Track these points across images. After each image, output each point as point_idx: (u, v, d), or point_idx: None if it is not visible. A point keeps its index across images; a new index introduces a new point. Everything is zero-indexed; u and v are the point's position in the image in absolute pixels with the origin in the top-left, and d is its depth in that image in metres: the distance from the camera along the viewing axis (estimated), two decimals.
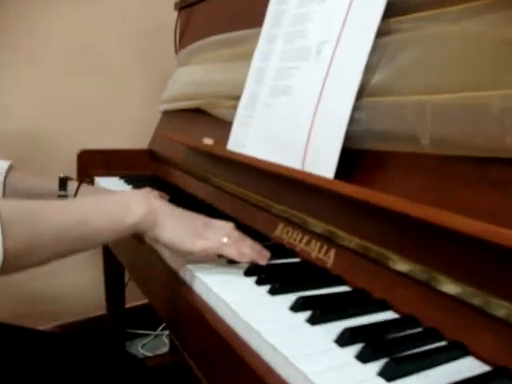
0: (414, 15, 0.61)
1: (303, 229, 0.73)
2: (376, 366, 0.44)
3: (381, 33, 0.64)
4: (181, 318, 0.65)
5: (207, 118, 1.09)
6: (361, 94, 0.64)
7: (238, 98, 0.91)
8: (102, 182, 1.25)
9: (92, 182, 1.29)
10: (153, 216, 0.62)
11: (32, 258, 0.54)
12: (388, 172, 0.62)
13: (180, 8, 1.46)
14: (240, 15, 1.10)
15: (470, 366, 0.46)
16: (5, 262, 0.49)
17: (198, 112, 1.14)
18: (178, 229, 0.62)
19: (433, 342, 0.50)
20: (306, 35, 0.76)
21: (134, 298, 1.58)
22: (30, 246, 0.53)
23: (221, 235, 0.64)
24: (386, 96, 0.60)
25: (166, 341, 1.85)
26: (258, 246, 0.66)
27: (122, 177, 1.29)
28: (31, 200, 0.56)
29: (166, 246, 0.64)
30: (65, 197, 0.88)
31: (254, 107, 0.84)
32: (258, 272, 0.64)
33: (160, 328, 1.88)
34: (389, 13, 0.64)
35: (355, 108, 0.64)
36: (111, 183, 1.25)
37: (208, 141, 1.03)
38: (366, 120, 0.62)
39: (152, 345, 1.85)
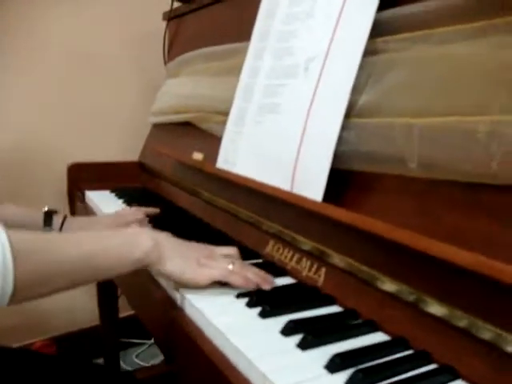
0: (402, 35, 0.61)
1: (294, 246, 0.73)
2: None
3: (368, 52, 0.64)
4: (172, 341, 0.65)
5: (197, 131, 1.09)
6: (349, 113, 0.64)
7: (227, 113, 0.91)
8: (92, 195, 1.25)
9: (83, 196, 1.28)
10: (158, 249, 0.62)
11: (42, 288, 0.55)
12: (377, 194, 0.62)
13: (169, 18, 1.45)
14: (229, 28, 1.10)
15: None
16: (15, 291, 0.50)
17: (187, 125, 1.14)
18: (183, 262, 0.63)
19: (423, 365, 0.50)
20: (293, 52, 0.76)
21: (128, 307, 1.58)
22: (41, 277, 0.54)
23: (226, 263, 0.64)
24: (374, 117, 0.61)
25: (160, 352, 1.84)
26: (261, 272, 0.67)
27: (113, 190, 1.29)
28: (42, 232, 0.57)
29: (172, 279, 0.64)
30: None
31: (243, 123, 0.84)
32: (249, 294, 0.63)
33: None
34: (376, 32, 0.64)
35: (343, 128, 0.64)
36: (102, 196, 1.24)
37: (198, 155, 1.03)
38: (354, 140, 0.63)
39: (147, 354, 1.84)
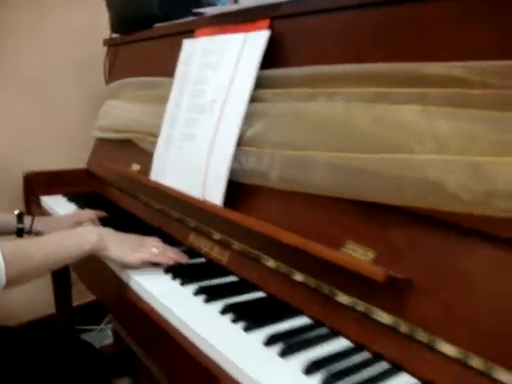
0: (273, 90, 0.90)
1: (208, 237, 1.01)
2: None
3: (252, 99, 0.93)
4: (121, 307, 0.92)
5: (135, 147, 1.35)
6: (239, 143, 0.92)
7: (158, 135, 1.17)
8: (47, 199, 1.48)
9: (38, 200, 1.50)
10: (102, 241, 0.89)
11: (24, 279, 0.82)
12: (257, 199, 0.91)
13: (108, 45, 1.69)
14: (158, 62, 1.35)
15: None
16: (6, 284, 0.77)
17: (127, 140, 1.39)
18: (121, 248, 0.90)
19: (287, 314, 0.79)
20: (204, 94, 1.04)
21: (79, 297, 1.83)
22: (24, 273, 0.80)
23: (151, 248, 0.91)
24: (254, 146, 0.89)
25: (110, 333, 2.08)
26: (178, 252, 0.94)
27: (64, 194, 1.52)
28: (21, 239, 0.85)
29: (115, 261, 0.91)
30: (22, 229, 1.12)
31: (169, 145, 1.11)
32: (174, 271, 0.91)
33: (104, 322, 2.12)
34: (257, 85, 0.93)
35: (235, 152, 0.92)
36: (55, 201, 1.47)
37: (136, 166, 1.29)
38: (242, 161, 0.91)
39: (97, 337, 2.08)
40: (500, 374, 0.56)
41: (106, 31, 1.66)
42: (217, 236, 0.99)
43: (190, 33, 1.18)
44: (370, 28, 0.79)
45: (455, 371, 0.59)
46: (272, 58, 0.93)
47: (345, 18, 0.82)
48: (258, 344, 0.67)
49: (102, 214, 1.19)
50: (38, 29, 1.78)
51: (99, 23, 1.73)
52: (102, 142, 1.62)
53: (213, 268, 0.95)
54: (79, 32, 1.85)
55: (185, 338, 0.72)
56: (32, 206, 1.53)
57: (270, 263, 0.86)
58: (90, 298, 2.04)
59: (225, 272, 0.93)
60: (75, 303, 1.82)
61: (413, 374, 0.62)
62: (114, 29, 1.64)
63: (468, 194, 0.58)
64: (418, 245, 0.66)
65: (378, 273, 0.63)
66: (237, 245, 0.93)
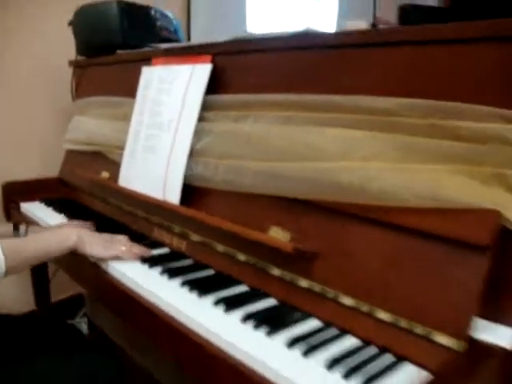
0: (215, 112, 1.14)
1: (169, 231, 1.25)
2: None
3: (199, 119, 1.17)
4: (101, 289, 1.15)
5: (104, 157, 1.57)
6: (191, 154, 1.17)
7: (123, 148, 1.40)
8: (26, 206, 1.68)
9: (18, 207, 1.70)
10: (81, 240, 1.11)
11: (19, 269, 1.05)
12: (207, 199, 1.16)
13: (74, 66, 1.90)
14: (121, 84, 1.57)
15: None
16: (6, 273, 0.99)
17: (96, 151, 1.61)
18: (96, 247, 1.12)
19: (231, 283, 1.04)
20: (161, 114, 1.27)
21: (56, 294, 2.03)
22: (19, 263, 1.03)
23: (120, 245, 1.14)
24: (201, 157, 1.14)
25: (85, 327, 2.28)
26: (142, 247, 1.17)
27: (41, 200, 1.72)
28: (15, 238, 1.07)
29: (91, 256, 1.13)
30: (18, 236, 1.32)
31: (134, 157, 1.34)
32: (144, 258, 1.14)
33: (79, 316, 2.32)
34: (204, 108, 1.17)
35: (188, 161, 1.17)
36: (34, 206, 1.68)
37: (105, 174, 1.51)
38: (193, 169, 1.16)
39: None
40: (379, 312, 0.82)
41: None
42: (176, 229, 1.23)
43: (147, 60, 1.41)
44: (286, 66, 1.04)
45: (350, 314, 0.84)
46: (214, 85, 1.17)
47: (268, 57, 1.08)
48: (208, 304, 0.92)
49: (88, 224, 1.40)
50: (9, 41, 1.95)
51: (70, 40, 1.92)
52: (72, 153, 1.82)
53: (174, 255, 1.19)
54: (51, 46, 2.03)
55: (153, 304, 0.96)
56: (12, 212, 1.73)
57: (219, 248, 1.11)
58: (64, 295, 2.24)
59: (183, 257, 1.17)
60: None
61: (320, 319, 0.87)
62: (79, 51, 1.85)
63: (355, 190, 0.84)
64: (321, 227, 0.92)
65: (288, 247, 0.88)
66: (192, 235, 1.18)
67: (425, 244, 0.78)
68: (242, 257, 1.05)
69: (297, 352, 0.77)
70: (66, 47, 1.90)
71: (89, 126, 1.65)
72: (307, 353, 0.76)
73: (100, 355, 1.20)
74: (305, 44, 0.98)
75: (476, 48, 0.77)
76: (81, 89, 1.88)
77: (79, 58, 1.87)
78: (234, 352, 0.78)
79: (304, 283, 0.92)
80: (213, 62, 1.18)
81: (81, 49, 1.83)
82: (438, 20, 0.82)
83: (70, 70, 1.92)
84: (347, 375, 0.70)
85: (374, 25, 0.87)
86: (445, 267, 0.75)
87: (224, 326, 0.84)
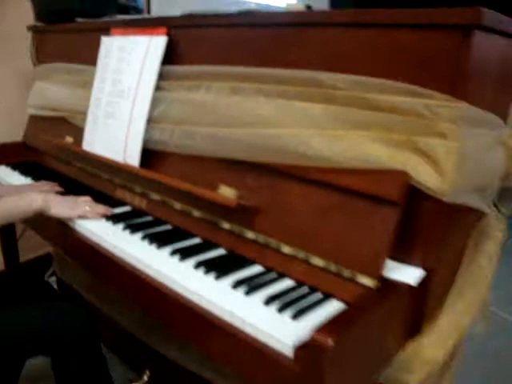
0: (171, 81, 1.24)
1: (130, 191, 1.36)
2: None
3: (156, 87, 1.26)
4: (69, 244, 1.26)
5: (67, 122, 1.64)
6: (149, 120, 1.26)
7: (85, 113, 1.48)
8: None
9: None
10: (46, 202, 1.20)
11: None
12: (164, 161, 1.27)
13: (32, 31, 1.93)
14: (82, 51, 1.63)
15: None
16: None
17: (59, 117, 1.68)
18: (62, 207, 1.22)
19: (186, 237, 1.16)
20: (121, 82, 1.36)
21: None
22: None
23: (84, 206, 1.24)
24: (158, 123, 1.24)
25: (55, 285, 2.39)
26: (104, 207, 1.27)
27: (7, 164, 1.79)
28: None
29: (57, 217, 1.23)
30: None
31: (96, 123, 1.43)
32: (111, 218, 1.25)
33: (48, 274, 2.42)
34: (160, 77, 1.26)
35: (146, 128, 1.27)
36: (1, 170, 1.75)
37: (69, 139, 1.60)
38: (151, 134, 1.26)
39: None
40: (311, 258, 0.96)
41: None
42: (137, 189, 1.34)
43: (106, 30, 1.48)
44: (235, 41, 1.14)
45: (288, 260, 0.98)
46: (170, 56, 1.26)
47: (219, 32, 1.17)
48: (165, 254, 1.05)
49: (54, 184, 1.48)
50: None
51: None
52: (35, 118, 1.88)
53: (135, 213, 1.30)
54: (9, 11, 2.04)
55: (117, 256, 1.08)
56: None
57: (176, 206, 1.23)
58: (32, 255, 2.33)
59: (144, 214, 1.28)
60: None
61: (263, 265, 1.01)
62: (37, 17, 1.88)
63: (292, 153, 0.96)
64: (263, 185, 1.05)
65: (232, 202, 1.02)
66: (152, 195, 1.29)
67: (349, 199, 0.91)
68: (196, 213, 1.17)
69: (240, 292, 0.90)
70: (26, 12, 1.94)
71: (51, 92, 1.71)
72: (249, 292, 0.90)
73: (69, 305, 1.32)
74: (249, 22, 1.09)
75: (396, 32, 0.88)
76: (42, 54, 1.92)
77: (38, 24, 1.90)
78: (188, 294, 0.91)
79: (250, 235, 1.05)
80: (168, 34, 1.26)
81: (39, 15, 1.86)
82: (367, 5, 0.93)
83: (29, 35, 1.96)
84: (281, 309, 0.85)
85: (308, 7, 0.98)
86: (364, 219, 0.89)
87: (179, 272, 0.97)
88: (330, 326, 0.72)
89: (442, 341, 0.95)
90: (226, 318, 0.84)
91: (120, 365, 1.82)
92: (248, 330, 0.81)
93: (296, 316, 0.83)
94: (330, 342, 0.67)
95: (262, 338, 0.79)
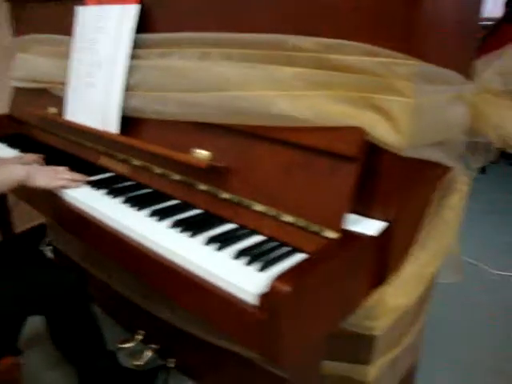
0: (146, 50, 1.26)
1: (113, 157, 1.40)
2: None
3: (132, 56, 1.29)
4: (59, 213, 1.31)
5: (49, 93, 1.67)
6: (126, 88, 1.30)
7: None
8: None
9: None
10: (28, 174, 1.24)
11: None
12: (143, 127, 1.30)
13: (10, 2, 1.94)
14: (60, 23, 1.65)
15: None
16: None
17: (42, 88, 1.71)
18: (43, 178, 1.25)
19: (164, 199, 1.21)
20: (98, 52, 1.38)
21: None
22: None
23: (65, 175, 1.28)
24: (135, 91, 1.27)
25: (50, 254, 2.45)
26: (82, 175, 1.31)
27: None
28: None
29: (40, 188, 1.27)
30: None
31: (76, 92, 1.46)
32: (93, 183, 1.29)
33: (44, 244, 2.48)
34: (135, 45, 1.28)
35: (126, 95, 1.30)
36: None
37: (52, 109, 1.63)
38: (129, 102, 1.29)
39: None
40: (282, 215, 1.01)
41: None
42: (119, 156, 1.38)
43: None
44: (201, 7, 1.16)
45: (259, 217, 1.03)
46: (144, 24, 1.28)
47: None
48: (144, 215, 1.10)
49: (41, 157, 1.52)
50: None
51: None
52: (20, 90, 1.91)
53: (119, 178, 1.35)
54: None
55: (100, 220, 1.13)
56: None
57: (157, 170, 1.27)
58: (27, 225, 2.39)
59: (127, 180, 1.33)
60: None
61: (236, 223, 1.06)
62: None
63: (256, 114, 1.00)
64: (235, 146, 1.09)
65: (202, 163, 1.07)
66: (134, 160, 1.33)
67: (311, 156, 0.96)
68: (175, 176, 1.22)
69: (212, 248, 0.96)
70: None
71: (33, 63, 1.73)
72: (220, 248, 0.95)
73: (60, 269, 1.38)
74: None
75: None
76: (21, 26, 1.93)
77: None
78: (164, 251, 0.97)
79: (223, 195, 1.10)
80: (141, 2, 1.28)
81: None
82: None
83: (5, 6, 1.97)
84: (250, 262, 0.90)
85: None
86: (325, 175, 0.93)
87: (157, 233, 1.03)
88: (288, 274, 0.77)
89: (405, 290, 1.01)
90: (198, 272, 0.89)
91: (115, 326, 1.90)
92: (218, 282, 0.86)
93: (264, 268, 0.88)
94: (286, 288, 0.73)
95: (230, 289, 0.84)
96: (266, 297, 0.77)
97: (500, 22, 4.48)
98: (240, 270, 0.89)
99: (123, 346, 1.70)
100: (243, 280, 0.85)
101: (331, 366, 1.09)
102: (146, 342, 1.69)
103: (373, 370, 1.08)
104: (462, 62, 1.08)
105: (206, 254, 0.94)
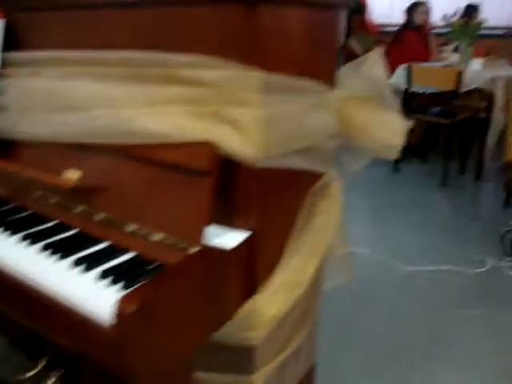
0: (13, 68, 1.23)
1: None
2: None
3: (1, 75, 1.25)
4: None
5: None
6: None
7: None
8: None
9: None
10: None
11: None
12: (20, 150, 1.27)
13: None
14: None
15: None
16: None
17: None
18: None
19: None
20: None
21: None
22: None
23: None
24: (6, 111, 1.24)
25: None
26: None
27: None
28: None
29: None
30: None
31: None
32: None
33: None
34: (4, 64, 1.25)
35: None
36: None
37: None
38: (3, 123, 1.25)
39: None
40: (150, 233, 1.00)
41: None
42: None
43: None
44: (62, 25, 1.15)
45: (130, 236, 1.02)
46: (11, 41, 1.25)
47: (59, 15, 1.17)
48: (15, 241, 1.07)
49: None
50: None
51: None
52: None
53: None
54: None
55: None
56: None
57: (35, 193, 1.24)
58: None
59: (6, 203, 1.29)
60: None
61: (112, 243, 1.05)
62: None
63: (112, 132, 1.00)
64: (101, 166, 1.08)
65: (67, 184, 1.05)
66: (11, 183, 1.29)
67: (168, 172, 0.96)
68: (52, 199, 1.19)
69: (78, 269, 0.94)
70: None
71: None
72: (87, 269, 0.93)
73: None
74: (72, 4, 1.10)
75: (191, 9, 0.93)
76: None
77: None
78: (29, 276, 0.94)
79: (97, 215, 1.08)
80: (6, 18, 1.25)
81: None
82: None
83: None
84: (114, 281, 0.89)
85: None
86: (182, 190, 0.94)
87: (25, 258, 1.00)
88: (134, 293, 0.77)
89: (278, 297, 1.03)
90: (58, 297, 0.88)
91: (19, 355, 1.83)
92: (78, 307, 0.85)
93: (127, 287, 0.88)
94: (130, 307, 0.73)
95: (92, 312, 0.83)
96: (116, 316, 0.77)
97: (402, 28, 4.78)
98: (102, 290, 0.88)
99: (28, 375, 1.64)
100: (103, 301, 0.84)
101: (214, 378, 1.10)
102: (49, 368, 1.64)
103: (258, 379, 1.09)
104: (322, 72, 1.12)
105: (69, 278, 0.92)
